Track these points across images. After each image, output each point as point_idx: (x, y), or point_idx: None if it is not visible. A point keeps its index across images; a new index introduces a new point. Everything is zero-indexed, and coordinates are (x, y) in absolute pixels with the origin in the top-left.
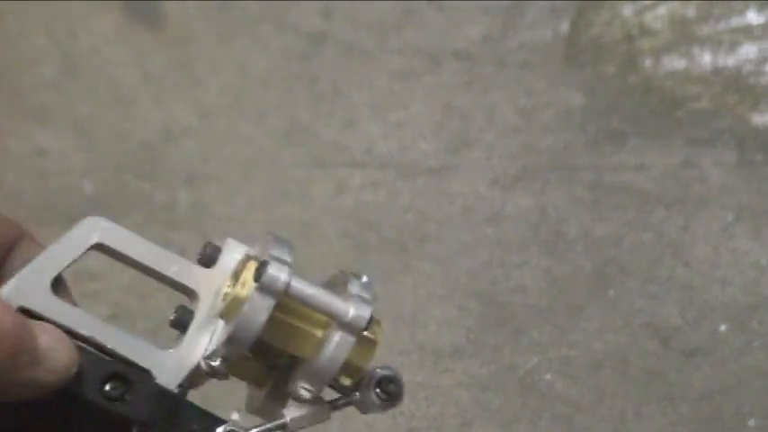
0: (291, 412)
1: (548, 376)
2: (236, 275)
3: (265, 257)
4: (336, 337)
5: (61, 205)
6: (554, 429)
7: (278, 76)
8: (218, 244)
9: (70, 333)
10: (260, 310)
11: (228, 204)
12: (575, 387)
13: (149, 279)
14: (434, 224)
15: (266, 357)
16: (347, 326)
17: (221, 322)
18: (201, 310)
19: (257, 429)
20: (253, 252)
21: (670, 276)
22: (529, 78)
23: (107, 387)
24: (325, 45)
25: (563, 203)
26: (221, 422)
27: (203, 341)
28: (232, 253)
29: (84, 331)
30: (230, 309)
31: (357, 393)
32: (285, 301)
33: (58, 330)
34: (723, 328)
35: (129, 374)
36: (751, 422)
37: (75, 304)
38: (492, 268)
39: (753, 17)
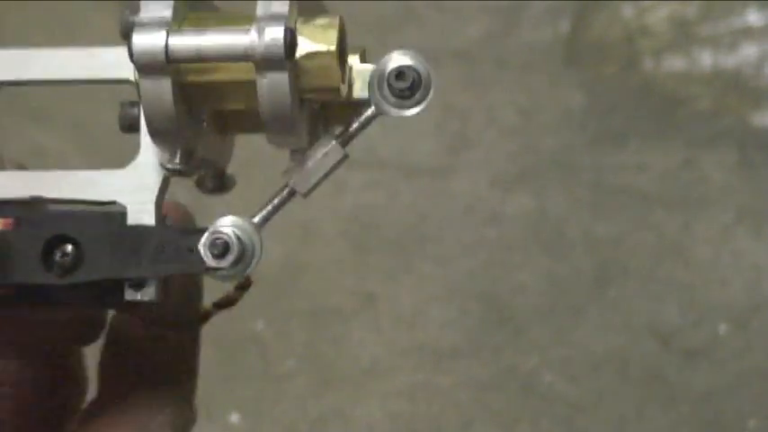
0: (292, 173)
1: (548, 377)
2: None
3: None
4: (263, 80)
5: None
6: (554, 430)
7: None
8: (135, 6)
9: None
10: (156, 93)
11: (228, 204)
12: (575, 387)
13: None
14: (434, 224)
15: (223, 119)
16: (266, 63)
17: None
18: None
19: (261, 214)
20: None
21: (670, 277)
22: (529, 78)
23: (55, 257)
24: None
25: (563, 204)
26: (202, 231)
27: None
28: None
29: (19, 193)
30: (139, 97)
31: (369, 104)
32: (180, 65)
33: None
34: (723, 328)
35: (70, 231)
36: (751, 423)
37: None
38: (492, 269)
39: (753, 17)
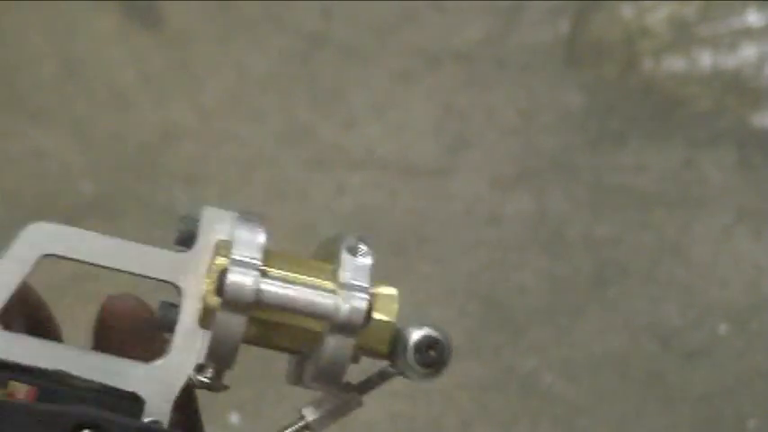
0: (311, 411)
1: (548, 377)
2: (210, 264)
3: (223, 258)
4: (332, 341)
5: (60, 206)
6: (554, 430)
7: (277, 76)
8: (195, 216)
9: (23, 371)
10: (232, 327)
11: (228, 205)
12: (575, 388)
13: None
14: (434, 225)
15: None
16: (342, 327)
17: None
18: (187, 304)
19: None
20: (224, 235)
21: (670, 277)
22: (529, 79)
23: None
24: (324, 45)
25: (563, 204)
26: None
27: (194, 346)
28: (214, 224)
29: (43, 364)
30: (204, 319)
31: (392, 364)
32: (263, 309)
33: None
34: (723, 328)
35: (98, 421)
36: (751, 423)
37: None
38: (492, 269)
39: (753, 18)
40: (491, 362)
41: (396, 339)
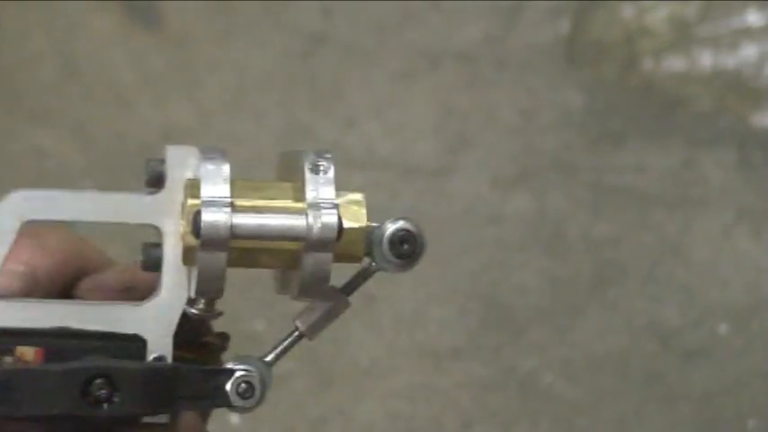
0: (303, 319)
1: (548, 377)
2: (183, 205)
3: (194, 198)
4: (310, 258)
5: None
6: (554, 430)
7: (278, 76)
8: (161, 157)
9: (25, 335)
10: (213, 262)
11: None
12: (575, 388)
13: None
14: (434, 225)
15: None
16: (317, 244)
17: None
18: (169, 242)
19: (272, 354)
20: (192, 173)
21: (670, 277)
22: (529, 79)
23: (92, 391)
24: (325, 45)
25: (563, 204)
26: (227, 372)
27: (182, 280)
28: (179, 163)
29: (45, 323)
30: (186, 257)
31: (371, 261)
32: (239, 240)
33: None
34: (723, 328)
35: (108, 370)
36: (751, 423)
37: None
38: (492, 269)
39: (753, 18)
40: (491, 362)
41: (371, 238)
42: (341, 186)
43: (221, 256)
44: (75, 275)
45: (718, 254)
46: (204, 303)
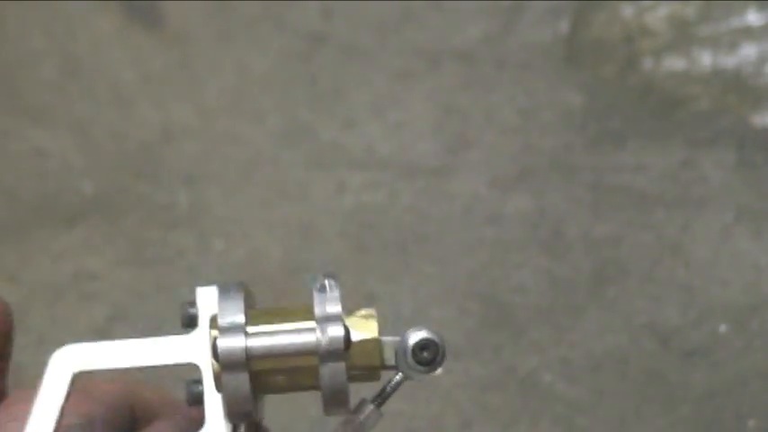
0: None
1: (547, 377)
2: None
3: (214, 329)
4: (325, 370)
5: (61, 206)
6: (554, 430)
7: (278, 76)
8: (190, 300)
9: None
10: (237, 386)
11: (228, 205)
12: (574, 388)
13: (150, 279)
14: (434, 225)
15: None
16: (328, 356)
17: None
18: (207, 377)
19: None
20: (216, 309)
21: (670, 277)
22: (529, 79)
23: None
24: (325, 45)
25: (563, 204)
26: None
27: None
28: (208, 301)
29: None
30: (216, 384)
31: (397, 371)
32: (256, 361)
33: None
34: (723, 328)
35: None
36: (751, 423)
37: None
38: (491, 269)
39: (753, 17)
40: (491, 362)
41: (390, 348)
42: (341, 182)
43: (243, 378)
44: (130, 416)
45: (718, 254)
46: (245, 428)
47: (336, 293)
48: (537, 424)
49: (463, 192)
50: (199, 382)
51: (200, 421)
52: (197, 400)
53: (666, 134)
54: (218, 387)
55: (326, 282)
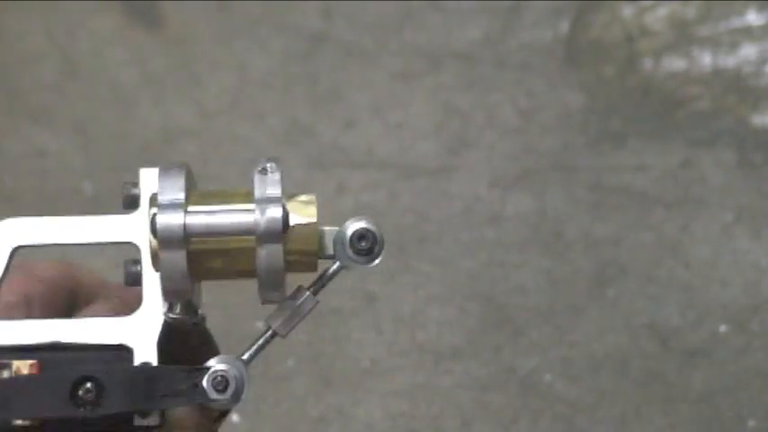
0: (273, 318)
1: (547, 377)
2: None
3: (154, 207)
4: (262, 252)
5: (61, 206)
6: (554, 430)
7: (278, 76)
8: (135, 180)
9: (21, 350)
10: (174, 263)
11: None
12: (574, 388)
13: None
14: (434, 225)
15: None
16: (266, 237)
17: None
18: (146, 256)
19: (248, 353)
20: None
21: (670, 277)
22: (529, 79)
23: (79, 394)
24: (325, 45)
25: (563, 204)
26: (204, 370)
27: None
28: (150, 182)
29: (35, 340)
30: (154, 262)
31: (335, 261)
32: (195, 240)
33: None
34: (723, 328)
35: (93, 372)
36: (751, 423)
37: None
38: (492, 269)
39: (753, 18)
40: (491, 362)
41: (330, 238)
42: (341, 182)
43: (180, 256)
44: (68, 297)
45: (717, 254)
46: (181, 308)
47: (277, 176)
48: (537, 424)
49: (463, 192)
50: (137, 262)
51: (137, 304)
52: (135, 281)
53: (666, 134)
54: (156, 265)
55: (268, 165)
